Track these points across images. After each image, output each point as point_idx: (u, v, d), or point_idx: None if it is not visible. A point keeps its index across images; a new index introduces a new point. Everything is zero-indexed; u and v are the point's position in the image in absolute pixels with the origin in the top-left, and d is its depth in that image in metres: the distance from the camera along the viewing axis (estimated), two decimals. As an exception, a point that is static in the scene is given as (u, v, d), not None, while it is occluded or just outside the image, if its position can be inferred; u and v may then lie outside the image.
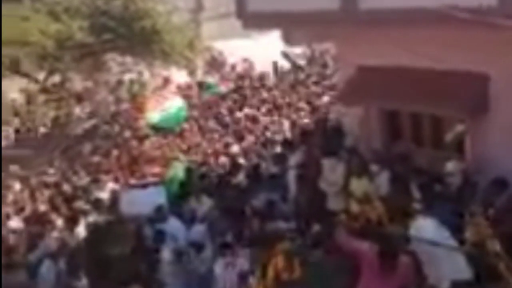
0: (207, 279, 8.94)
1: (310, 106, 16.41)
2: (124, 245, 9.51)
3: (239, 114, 17.68)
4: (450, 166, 8.81)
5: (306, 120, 14.98)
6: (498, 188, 8.06)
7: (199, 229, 10.09)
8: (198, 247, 9.53)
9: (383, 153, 10.17)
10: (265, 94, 19.09)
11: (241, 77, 22.43)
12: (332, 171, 9.51)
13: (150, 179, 13.31)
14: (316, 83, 19.31)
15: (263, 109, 17.74)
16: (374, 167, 9.56)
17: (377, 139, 10.78)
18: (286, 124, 15.51)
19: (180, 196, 12.01)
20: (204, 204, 11.01)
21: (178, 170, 12.85)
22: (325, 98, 16.64)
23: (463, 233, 7.04)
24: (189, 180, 12.49)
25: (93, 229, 10.56)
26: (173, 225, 10.28)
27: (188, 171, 12.84)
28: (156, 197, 11.44)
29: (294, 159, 10.77)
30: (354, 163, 9.44)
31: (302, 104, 16.94)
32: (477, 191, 8.33)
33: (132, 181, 13.69)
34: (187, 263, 9.34)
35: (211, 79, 21.64)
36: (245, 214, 10.00)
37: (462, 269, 6.65)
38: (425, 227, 6.92)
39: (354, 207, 8.34)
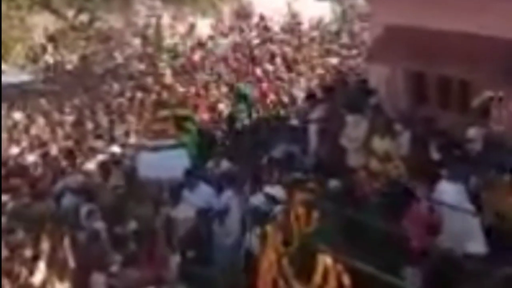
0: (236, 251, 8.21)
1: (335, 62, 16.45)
2: (144, 208, 8.99)
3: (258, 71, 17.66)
4: (472, 132, 8.80)
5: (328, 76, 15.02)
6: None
7: (228, 195, 8.95)
8: (221, 214, 8.60)
9: (407, 113, 10.21)
10: (287, 48, 19.10)
11: (266, 28, 22.35)
12: (355, 128, 9.56)
13: (165, 141, 11.71)
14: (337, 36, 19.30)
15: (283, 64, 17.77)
16: (397, 127, 9.63)
17: (402, 99, 10.80)
18: (303, 80, 15.51)
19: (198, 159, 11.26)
20: (223, 166, 10.54)
21: (193, 133, 12.17)
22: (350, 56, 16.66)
23: (480, 199, 7.05)
24: (202, 143, 12.03)
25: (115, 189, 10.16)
26: (205, 191, 9.21)
27: (200, 133, 12.36)
28: (177, 160, 10.41)
29: (316, 113, 10.82)
30: (378, 122, 9.46)
31: (323, 60, 16.97)
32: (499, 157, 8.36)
33: (147, 142, 12.03)
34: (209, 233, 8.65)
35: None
36: (264, 165, 10.10)
37: (478, 242, 6.54)
38: (448, 192, 6.90)
39: (375, 165, 8.40)
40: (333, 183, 8.38)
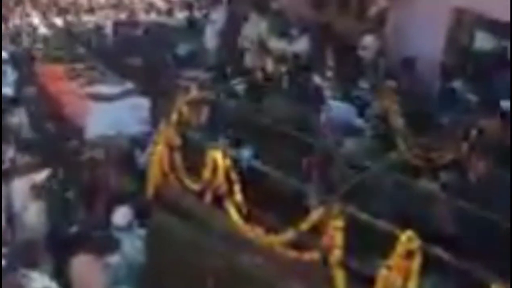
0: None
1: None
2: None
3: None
4: (367, 40, 9.09)
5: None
6: (406, 66, 8.49)
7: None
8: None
9: (306, 18, 10.36)
10: None
11: None
12: (254, 28, 9.67)
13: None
14: None
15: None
16: (295, 31, 9.82)
17: (302, 4, 10.89)
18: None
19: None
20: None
21: None
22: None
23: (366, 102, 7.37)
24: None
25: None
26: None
27: None
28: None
29: (217, 14, 10.79)
30: (278, 24, 9.66)
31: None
32: (387, 65, 8.78)
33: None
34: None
35: None
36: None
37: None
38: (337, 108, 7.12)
39: (270, 65, 8.54)
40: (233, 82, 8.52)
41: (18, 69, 10.06)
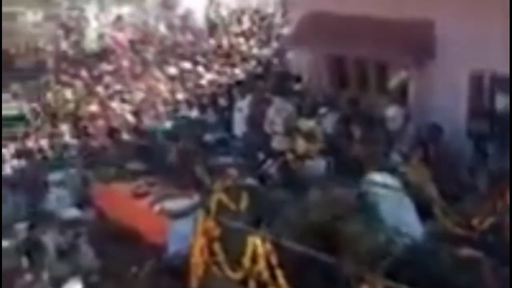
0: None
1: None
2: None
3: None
4: (391, 111, 9.20)
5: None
6: (434, 133, 8.54)
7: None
8: None
9: (332, 96, 10.58)
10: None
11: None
12: (280, 111, 9.86)
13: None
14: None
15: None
16: (322, 110, 10.01)
17: (325, 84, 11.15)
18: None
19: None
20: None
21: None
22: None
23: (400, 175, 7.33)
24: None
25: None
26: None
27: None
28: None
29: (245, 101, 11.08)
30: (305, 105, 9.86)
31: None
32: (414, 135, 8.84)
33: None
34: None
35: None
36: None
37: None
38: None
39: (300, 145, 8.62)
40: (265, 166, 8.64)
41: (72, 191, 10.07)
